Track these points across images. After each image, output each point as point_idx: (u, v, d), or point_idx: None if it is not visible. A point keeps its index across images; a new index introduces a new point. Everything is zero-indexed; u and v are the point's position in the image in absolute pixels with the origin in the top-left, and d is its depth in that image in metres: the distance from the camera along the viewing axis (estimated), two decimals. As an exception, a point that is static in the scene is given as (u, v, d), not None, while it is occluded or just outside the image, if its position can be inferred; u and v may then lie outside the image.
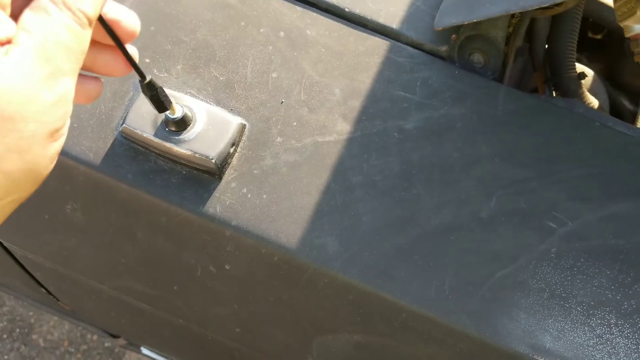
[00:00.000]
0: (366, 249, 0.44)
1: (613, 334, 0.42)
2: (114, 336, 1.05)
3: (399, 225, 0.45)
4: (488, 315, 0.43)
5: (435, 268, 0.44)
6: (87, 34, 0.31)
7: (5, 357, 1.76)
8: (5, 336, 1.79)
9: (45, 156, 0.30)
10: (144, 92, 0.36)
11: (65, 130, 0.31)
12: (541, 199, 0.46)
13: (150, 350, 1.02)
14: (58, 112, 0.30)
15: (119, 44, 0.33)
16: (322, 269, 0.45)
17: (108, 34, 0.32)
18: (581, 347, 0.42)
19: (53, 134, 0.30)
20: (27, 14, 0.30)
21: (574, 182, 0.46)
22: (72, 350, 1.76)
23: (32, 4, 0.30)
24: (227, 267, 0.48)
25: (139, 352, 1.05)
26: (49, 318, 1.80)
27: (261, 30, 0.50)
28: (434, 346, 0.46)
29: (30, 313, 1.82)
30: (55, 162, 0.31)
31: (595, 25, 0.89)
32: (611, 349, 0.42)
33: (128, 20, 0.33)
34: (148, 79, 0.35)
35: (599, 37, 0.92)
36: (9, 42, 0.30)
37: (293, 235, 0.45)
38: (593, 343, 0.42)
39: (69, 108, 0.30)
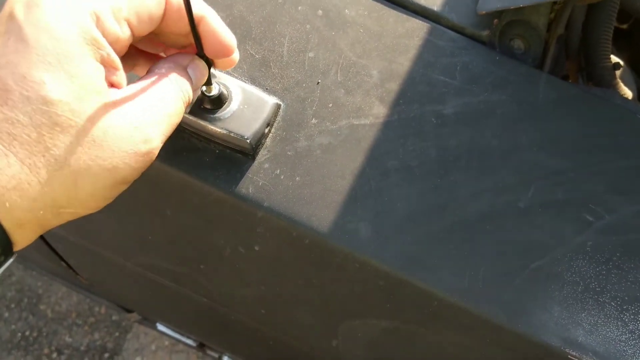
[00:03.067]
0: (399, 236, 0.44)
1: (647, 330, 0.42)
2: (128, 311, 1.05)
3: (434, 212, 0.44)
4: (521, 307, 0.43)
5: (470, 257, 0.43)
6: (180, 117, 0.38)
7: (13, 326, 1.78)
8: (13, 306, 1.81)
9: (110, 196, 0.35)
10: None
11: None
12: (579, 190, 0.45)
13: (166, 327, 1.02)
14: (140, 165, 0.35)
15: (189, 14, 0.35)
16: (354, 254, 0.44)
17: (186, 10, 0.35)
18: (613, 342, 0.42)
19: (126, 183, 0.35)
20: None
21: (612, 175, 0.45)
22: (80, 322, 1.78)
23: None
24: (256, 248, 0.48)
25: (154, 327, 1.05)
26: (57, 289, 1.81)
27: (299, 8, 0.49)
28: (464, 335, 0.46)
29: (39, 284, 1.83)
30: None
31: (622, 14, 0.87)
32: (643, 345, 0.42)
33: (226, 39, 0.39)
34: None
35: (624, 26, 0.90)
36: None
37: (325, 219, 0.44)
38: (625, 338, 0.42)
39: (144, 168, 0.35)
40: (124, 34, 0.35)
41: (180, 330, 1.00)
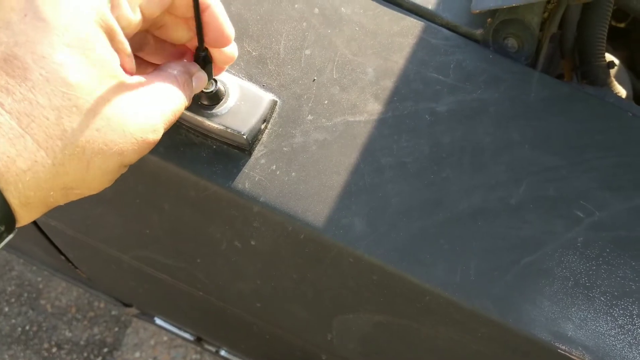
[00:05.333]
0: (393, 231, 0.45)
1: (635, 324, 0.43)
2: (127, 305, 1.06)
3: (427, 208, 0.45)
4: (512, 301, 0.43)
5: (462, 252, 0.44)
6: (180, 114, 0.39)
7: (13, 321, 1.79)
8: (13, 300, 1.82)
9: (114, 178, 0.36)
10: (199, 62, 0.39)
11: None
12: (570, 187, 0.46)
13: (164, 321, 1.03)
14: (143, 152, 0.36)
15: (197, 13, 0.36)
16: (348, 249, 0.45)
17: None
18: (603, 337, 0.43)
19: (127, 167, 0.36)
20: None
21: (603, 172, 0.46)
22: (80, 317, 1.79)
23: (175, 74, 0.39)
24: (252, 242, 0.49)
25: (152, 322, 1.06)
26: (57, 284, 1.82)
27: (295, 5, 0.49)
28: (456, 329, 0.46)
29: (39, 278, 1.84)
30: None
31: (619, 13, 0.88)
32: (632, 340, 0.43)
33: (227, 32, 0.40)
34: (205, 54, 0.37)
35: (622, 25, 0.90)
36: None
37: (320, 214, 0.45)
38: (615, 333, 0.43)
39: (144, 154, 0.36)
40: (136, 19, 0.35)
41: (177, 324, 1.01)
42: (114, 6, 0.34)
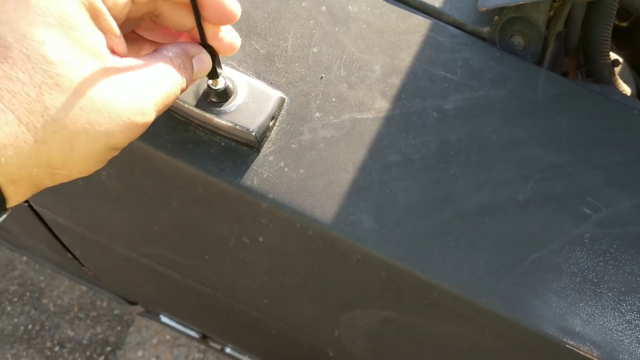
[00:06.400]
0: (401, 227, 0.45)
1: (643, 320, 0.43)
2: (132, 303, 1.06)
3: (435, 205, 0.45)
4: (520, 297, 0.44)
5: (469, 249, 0.44)
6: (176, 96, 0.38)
7: (15, 320, 1.79)
8: (15, 299, 1.82)
9: (102, 160, 0.35)
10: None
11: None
12: (577, 184, 0.46)
13: (170, 319, 1.03)
14: (133, 135, 0.35)
15: (196, 11, 0.36)
16: (356, 245, 0.45)
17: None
18: (610, 332, 0.43)
19: (117, 149, 0.35)
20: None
21: (610, 169, 0.46)
22: (82, 316, 1.79)
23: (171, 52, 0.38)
24: (260, 239, 0.49)
25: (157, 319, 1.06)
26: (59, 283, 1.82)
27: (303, 4, 0.49)
28: (463, 325, 0.46)
29: (41, 277, 1.84)
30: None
31: (622, 12, 0.88)
32: None
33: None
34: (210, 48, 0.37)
35: (624, 24, 0.91)
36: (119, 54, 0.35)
37: (328, 211, 0.45)
38: (622, 328, 0.43)
39: (135, 138, 0.35)
40: (121, 0, 0.35)
41: (183, 322, 1.01)
42: None
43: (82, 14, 0.33)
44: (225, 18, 0.38)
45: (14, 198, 0.33)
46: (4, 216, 0.34)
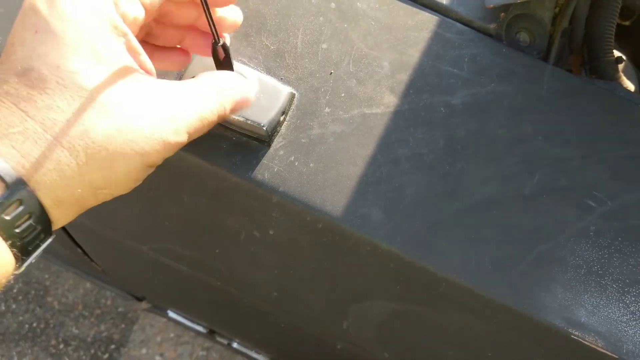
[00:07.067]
0: (409, 220, 0.46)
1: (647, 311, 0.44)
2: (138, 299, 1.07)
3: (443, 198, 0.46)
4: (526, 289, 0.44)
5: (477, 241, 0.45)
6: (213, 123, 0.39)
7: (20, 318, 1.80)
8: (20, 298, 1.83)
9: (140, 178, 0.37)
10: (215, 54, 0.38)
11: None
12: (582, 178, 0.47)
13: (177, 314, 1.04)
14: (167, 154, 0.37)
15: (206, 8, 0.37)
16: (365, 238, 0.46)
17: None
18: (615, 323, 0.44)
19: (153, 167, 0.37)
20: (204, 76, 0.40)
21: (615, 163, 0.47)
22: (86, 313, 1.80)
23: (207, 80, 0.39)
24: (271, 232, 0.50)
25: (164, 315, 1.07)
26: (64, 281, 1.83)
27: (312, 0, 0.50)
28: (471, 316, 0.47)
29: (46, 276, 1.85)
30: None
31: (625, 11, 0.89)
32: (644, 326, 0.44)
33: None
34: (222, 41, 0.37)
35: (627, 23, 0.91)
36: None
37: (338, 204, 0.46)
38: (627, 319, 0.44)
39: (169, 156, 0.37)
40: (140, 14, 0.36)
41: (190, 317, 1.02)
42: (117, 5, 0.35)
43: (109, 37, 0.34)
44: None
45: (60, 220, 0.35)
46: (49, 240, 0.35)
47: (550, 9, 0.52)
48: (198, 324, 1.04)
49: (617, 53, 0.73)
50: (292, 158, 0.47)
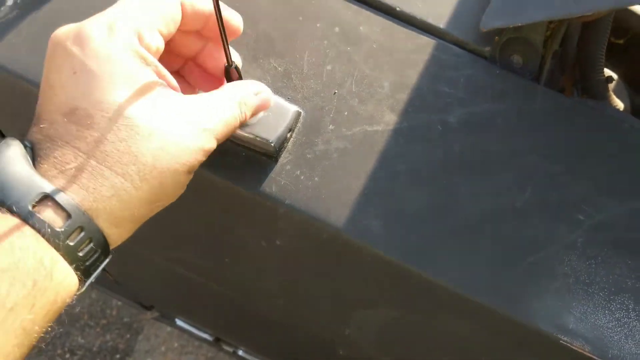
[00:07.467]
0: (409, 231, 0.48)
1: (630, 317, 0.46)
2: (147, 307, 1.10)
3: (440, 211, 0.49)
4: (519, 297, 0.47)
5: (472, 252, 0.48)
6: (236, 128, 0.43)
7: (26, 327, 1.82)
8: (27, 307, 1.85)
9: (185, 185, 0.41)
10: (228, 76, 0.42)
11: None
12: (572, 192, 0.49)
13: (185, 322, 1.07)
14: (203, 159, 0.41)
15: (222, 31, 0.41)
16: (367, 248, 0.48)
17: (218, 24, 0.40)
18: (601, 329, 0.46)
19: (191, 171, 0.40)
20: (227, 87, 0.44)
21: (602, 178, 0.50)
22: (92, 324, 1.82)
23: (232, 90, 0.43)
24: (277, 242, 0.53)
25: (172, 324, 1.10)
26: (70, 291, 1.85)
27: (318, 25, 0.54)
28: (467, 322, 0.50)
29: (53, 286, 1.87)
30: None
31: (618, 30, 0.92)
32: (628, 332, 0.46)
33: (234, 19, 0.45)
34: (234, 64, 0.41)
35: (621, 41, 0.94)
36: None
37: (341, 216, 0.49)
38: (612, 325, 0.46)
39: (204, 160, 0.41)
40: (161, 45, 0.40)
41: (198, 325, 1.04)
42: (140, 38, 0.38)
43: (140, 68, 0.38)
44: (230, 34, 0.45)
45: (118, 240, 0.39)
46: (108, 260, 0.38)
47: (541, 33, 0.55)
48: (204, 331, 1.06)
49: (608, 72, 0.76)
50: (298, 172, 0.50)
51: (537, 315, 0.46)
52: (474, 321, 0.49)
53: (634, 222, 0.49)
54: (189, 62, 0.48)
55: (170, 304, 1.00)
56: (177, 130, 0.38)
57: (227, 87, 0.43)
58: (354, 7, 0.54)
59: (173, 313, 1.06)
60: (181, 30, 0.44)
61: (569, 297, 0.47)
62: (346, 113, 0.51)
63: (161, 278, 0.80)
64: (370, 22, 0.54)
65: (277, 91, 0.52)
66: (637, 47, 0.88)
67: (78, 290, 0.37)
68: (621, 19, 0.79)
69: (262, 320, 0.73)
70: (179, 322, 1.07)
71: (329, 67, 0.53)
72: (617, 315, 0.46)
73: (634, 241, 0.48)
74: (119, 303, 1.80)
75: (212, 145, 0.41)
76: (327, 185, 0.49)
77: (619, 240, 0.48)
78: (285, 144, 0.50)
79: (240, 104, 0.43)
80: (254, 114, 0.45)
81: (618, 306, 0.46)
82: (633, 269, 0.47)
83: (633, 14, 0.78)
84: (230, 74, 0.45)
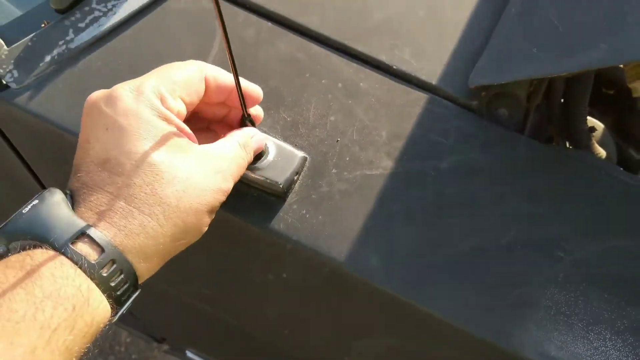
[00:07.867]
0: (404, 266, 0.53)
1: (607, 347, 0.50)
2: (158, 340, 1.13)
3: (433, 247, 0.53)
4: (505, 327, 0.50)
5: (462, 285, 0.52)
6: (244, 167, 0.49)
7: (35, 364, 1.84)
8: (36, 344, 1.87)
9: (207, 223, 0.46)
10: (244, 124, 0.50)
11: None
12: (553, 232, 0.54)
13: (195, 354, 1.10)
14: (222, 200, 0.46)
15: (239, 91, 0.47)
16: (366, 281, 0.53)
17: (237, 91, 0.47)
18: (580, 357, 0.49)
19: (214, 212, 0.46)
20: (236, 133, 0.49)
21: (580, 219, 0.55)
22: (101, 359, 1.84)
23: (237, 138, 0.49)
24: (284, 275, 0.57)
25: (182, 357, 1.13)
26: (80, 329, 1.88)
27: (322, 81, 0.60)
28: (459, 351, 0.54)
29: (63, 323, 1.90)
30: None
31: (609, 81, 0.97)
32: (606, 360, 0.50)
33: (255, 91, 0.51)
34: (249, 116, 0.48)
35: (611, 92, 0.99)
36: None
37: (343, 251, 0.53)
38: (590, 354, 0.50)
39: (224, 199, 0.46)
40: (182, 109, 0.46)
41: (207, 356, 1.08)
42: (163, 100, 0.45)
43: (162, 123, 0.44)
44: (250, 102, 0.51)
45: (145, 274, 0.43)
46: (137, 293, 0.43)
47: (525, 89, 0.61)
48: (214, 362, 1.10)
49: (594, 121, 0.82)
50: (304, 211, 0.55)
51: (521, 344, 0.50)
52: (465, 350, 0.53)
53: (609, 259, 0.53)
54: (219, 123, 0.54)
55: (181, 336, 1.04)
56: (196, 175, 0.43)
57: (229, 135, 0.49)
58: (355, 66, 0.61)
59: (184, 344, 1.09)
60: (205, 102, 0.50)
61: (551, 327, 0.50)
62: (348, 159, 0.57)
63: (174, 310, 0.84)
64: (369, 79, 0.60)
65: (285, 139, 0.57)
66: (624, 99, 0.94)
67: (111, 316, 0.41)
68: (611, 72, 0.84)
69: (270, 349, 0.77)
70: (189, 354, 1.10)
71: (332, 118, 0.59)
72: (595, 344, 0.50)
73: (609, 276, 0.52)
74: (128, 340, 1.83)
75: (228, 184, 0.46)
76: (330, 223, 0.54)
77: (595, 275, 0.52)
78: (292, 186, 0.55)
79: (243, 146, 0.48)
80: (255, 154, 0.51)
81: (596, 336, 0.50)
82: (609, 301, 0.51)
83: (619, 68, 0.84)
84: (246, 124, 0.51)
